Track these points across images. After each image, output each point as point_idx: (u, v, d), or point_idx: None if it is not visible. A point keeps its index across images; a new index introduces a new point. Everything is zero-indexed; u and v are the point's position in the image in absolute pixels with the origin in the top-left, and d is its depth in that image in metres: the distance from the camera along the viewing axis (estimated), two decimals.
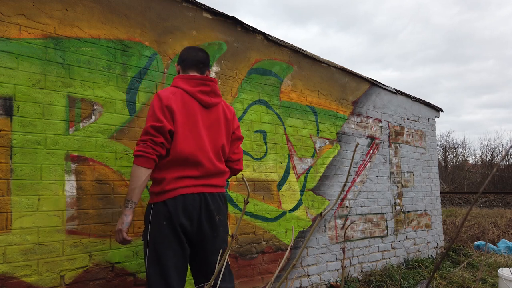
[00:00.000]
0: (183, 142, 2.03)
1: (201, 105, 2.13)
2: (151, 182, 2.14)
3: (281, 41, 3.73)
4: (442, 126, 49.78)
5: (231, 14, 3.31)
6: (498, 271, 3.64)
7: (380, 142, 4.88)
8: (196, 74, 2.21)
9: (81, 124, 2.44)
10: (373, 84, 4.82)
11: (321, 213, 0.85)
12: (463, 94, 57.33)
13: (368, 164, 4.67)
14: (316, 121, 4.04)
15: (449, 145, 28.03)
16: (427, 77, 61.91)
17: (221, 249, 1.83)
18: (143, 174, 1.96)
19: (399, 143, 5.19)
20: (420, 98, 5.63)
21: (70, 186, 2.37)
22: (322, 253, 3.95)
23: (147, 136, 1.97)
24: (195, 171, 2.07)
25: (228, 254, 0.91)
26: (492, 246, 6.07)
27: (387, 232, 4.82)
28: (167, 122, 1.99)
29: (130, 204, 2.00)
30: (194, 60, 2.23)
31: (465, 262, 1.12)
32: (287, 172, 3.70)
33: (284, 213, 3.63)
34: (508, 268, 3.57)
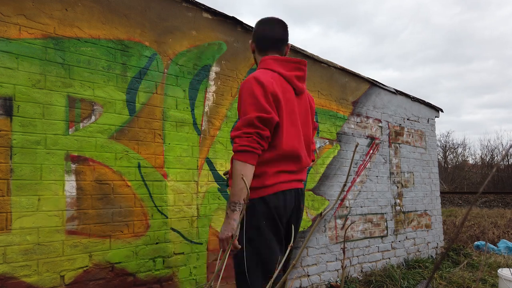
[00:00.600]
0: (288, 135, 1.80)
1: (294, 91, 1.86)
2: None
3: None
4: (442, 126, 49.61)
5: (232, 15, 3.31)
6: (498, 271, 3.64)
7: (380, 142, 4.88)
8: (276, 55, 1.90)
9: (81, 124, 2.44)
10: (373, 84, 4.82)
11: (321, 213, 0.85)
12: (463, 94, 57.20)
13: (368, 164, 4.67)
14: (316, 121, 4.04)
15: (449, 145, 28.04)
16: (427, 77, 61.69)
17: (221, 249, 1.79)
18: (250, 171, 1.67)
19: (399, 143, 5.19)
20: (420, 98, 5.63)
21: (70, 186, 2.37)
22: (322, 253, 3.95)
23: (252, 129, 1.66)
24: (293, 166, 1.85)
25: (227, 255, 0.91)
26: (492, 246, 6.07)
27: (387, 232, 4.82)
28: (275, 113, 1.72)
29: (239, 207, 1.70)
30: (272, 39, 1.91)
31: (465, 262, 1.12)
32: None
33: None
34: (508, 268, 3.57)
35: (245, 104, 1.73)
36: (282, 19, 1.96)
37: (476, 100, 56.40)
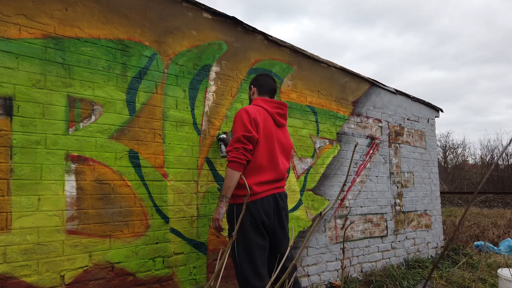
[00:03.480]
0: (262, 151, 2.46)
1: (275, 124, 2.60)
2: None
3: (281, 41, 3.73)
4: (468, 126, 48.43)
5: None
6: (498, 271, 3.64)
7: (380, 142, 4.88)
8: (267, 98, 2.69)
9: (81, 124, 2.44)
10: (373, 84, 4.82)
11: (320, 213, 0.85)
12: (497, 95, 55.18)
13: (368, 164, 4.67)
14: (316, 121, 4.04)
15: (449, 145, 28.03)
16: (471, 77, 59.40)
17: (220, 250, 1.86)
18: (236, 176, 2.37)
19: (399, 143, 5.19)
20: (420, 98, 5.64)
21: (70, 186, 2.37)
22: (322, 253, 3.95)
23: (239, 144, 2.37)
24: (269, 176, 2.48)
25: (227, 254, 0.91)
26: (492, 246, 6.07)
27: (387, 232, 4.82)
28: (255, 133, 2.42)
29: (225, 199, 2.43)
30: (270, 88, 2.72)
31: (463, 261, 1.12)
32: (287, 172, 3.69)
33: None
34: (508, 268, 3.58)
35: (236, 126, 2.45)
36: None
37: (509, 101, 54.83)
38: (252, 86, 2.76)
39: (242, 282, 2.41)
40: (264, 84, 2.72)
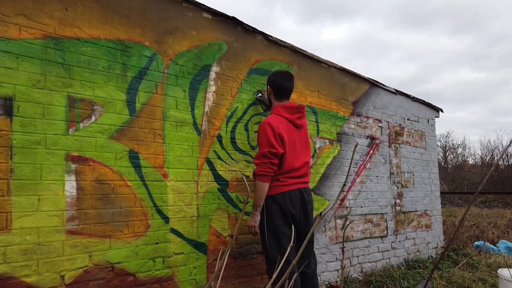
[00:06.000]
0: (289, 159, 2.76)
1: (295, 127, 2.85)
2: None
3: (281, 41, 3.73)
4: (490, 127, 47.62)
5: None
6: (498, 271, 3.64)
7: (380, 143, 4.88)
8: (287, 101, 2.93)
9: (81, 124, 2.44)
10: (373, 84, 4.82)
11: (320, 213, 0.85)
12: None
13: (368, 164, 4.67)
14: (316, 121, 4.04)
15: (449, 146, 28.02)
16: (508, 78, 58.33)
17: (220, 250, 1.86)
18: (266, 187, 2.69)
19: (399, 143, 5.19)
20: (420, 98, 5.64)
21: (70, 186, 2.37)
22: (322, 253, 3.95)
23: (266, 159, 2.67)
24: (294, 174, 2.78)
25: (228, 254, 0.91)
26: (491, 246, 6.07)
27: (387, 232, 4.82)
28: (280, 148, 2.69)
29: (259, 208, 2.75)
30: (288, 91, 2.92)
31: (464, 261, 1.12)
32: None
33: None
34: (508, 269, 3.58)
35: (261, 140, 2.72)
36: (291, 73, 3.05)
37: None
38: (269, 86, 2.94)
39: (271, 270, 2.67)
40: (282, 87, 2.89)
